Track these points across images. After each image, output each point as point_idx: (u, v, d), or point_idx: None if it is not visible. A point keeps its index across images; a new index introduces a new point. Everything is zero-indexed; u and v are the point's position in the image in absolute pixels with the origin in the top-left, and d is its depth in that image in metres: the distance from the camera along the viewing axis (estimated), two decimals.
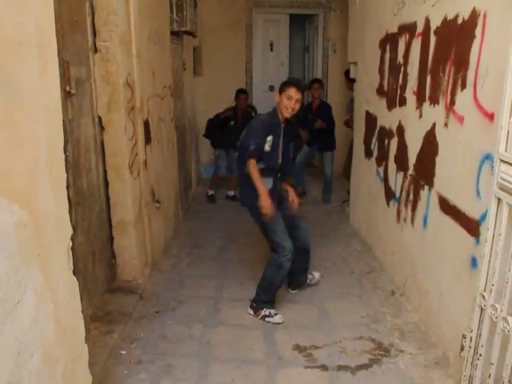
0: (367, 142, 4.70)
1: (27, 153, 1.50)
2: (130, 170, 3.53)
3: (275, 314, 3.45)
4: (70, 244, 1.80)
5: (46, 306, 1.61)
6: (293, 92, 3.30)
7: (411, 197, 3.51)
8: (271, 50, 7.75)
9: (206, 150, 7.42)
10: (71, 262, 1.81)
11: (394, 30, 3.84)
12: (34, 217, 1.51)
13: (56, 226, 1.67)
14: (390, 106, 3.97)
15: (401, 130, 3.71)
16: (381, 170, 4.27)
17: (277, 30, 7.69)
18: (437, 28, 3.02)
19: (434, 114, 3.07)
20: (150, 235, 4.03)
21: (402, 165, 3.70)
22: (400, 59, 3.72)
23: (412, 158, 3.48)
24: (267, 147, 3.38)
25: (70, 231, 1.80)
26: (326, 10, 7.29)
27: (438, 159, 3.03)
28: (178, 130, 5.44)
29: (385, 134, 4.12)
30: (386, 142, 4.07)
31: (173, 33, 5.04)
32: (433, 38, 3.08)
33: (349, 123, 6.15)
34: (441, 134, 2.99)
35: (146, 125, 3.94)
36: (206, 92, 7.26)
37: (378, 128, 4.35)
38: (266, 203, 3.25)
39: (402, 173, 3.71)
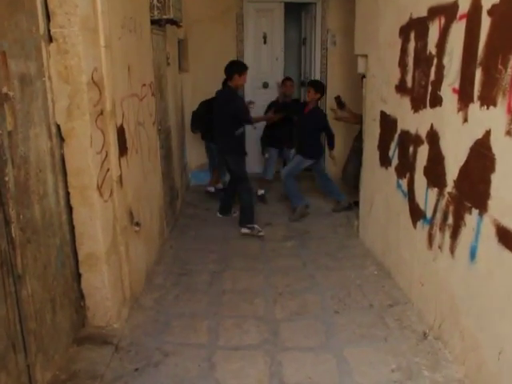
0: (383, 148, 4.00)
1: None
2: (99, 191, 2.80)
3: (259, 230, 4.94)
4: None
5: None
6: None
7: (450, 220, 2.82)
8: (264, 42, 6.99)
9: (195, 154, 6.69)
10: None
11: (422, 13, 3.13)
12: None
13: None
14: (417, 106, 3.28)
15: (434, 136, 3.01)
16: (403, 182, 3.57)
17: (270, 20, 6.92)
18: (493, 6, 2.32)
19: (488, 118, 2.37)
20: (129, 266, 3.31)
21: (435, 179, 3.01)
22: (431, 49, 3.03)
23: (452, 173, 2.78)
24: None
25: None
26: None
27: (494, 177, 2.34)
28: (162, 134, 4.71)
29: (409, 140, 3.42)
30: (412, 149, 3.38)
31: (154, 22, 4.30)
32: (486, 20, 2.37)
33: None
34: (499, 145, 2.29)
35: (121, 132, 3.21)
36: (193, 89, 6.52)
37: (398, 132, 3.65)
38: None
39: (435, 189, 3.02)
